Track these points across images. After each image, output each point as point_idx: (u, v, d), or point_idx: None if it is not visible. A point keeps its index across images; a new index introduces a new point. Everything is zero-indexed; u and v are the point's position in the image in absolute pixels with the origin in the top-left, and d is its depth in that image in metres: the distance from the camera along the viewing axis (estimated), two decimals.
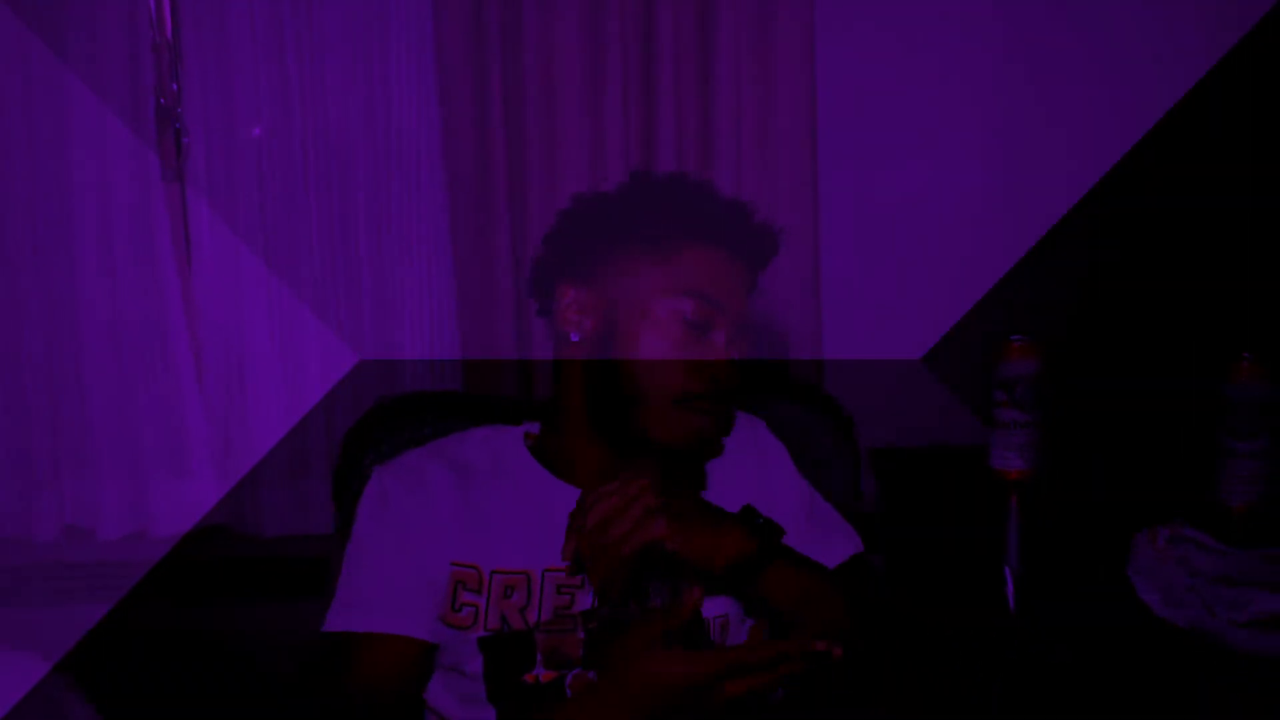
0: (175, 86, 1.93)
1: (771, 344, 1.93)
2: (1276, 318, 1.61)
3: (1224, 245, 1.82)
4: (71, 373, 1.93)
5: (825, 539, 1.24)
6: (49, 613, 1.91)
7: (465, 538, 1.15)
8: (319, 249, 1.93)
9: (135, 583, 1.94)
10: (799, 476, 1.28)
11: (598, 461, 1.18)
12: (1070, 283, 1.94)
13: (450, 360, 1.95)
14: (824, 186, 1.93)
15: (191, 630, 1.93)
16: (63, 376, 1.93)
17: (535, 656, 1.13)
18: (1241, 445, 1.35)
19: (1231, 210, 1.83)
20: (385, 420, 1.37)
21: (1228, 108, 1.86)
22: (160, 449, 1.97)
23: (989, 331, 1.54)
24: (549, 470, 1.20)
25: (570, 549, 1.05)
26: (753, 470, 1.25)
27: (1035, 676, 1.19)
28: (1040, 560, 1.30)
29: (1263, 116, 1.85)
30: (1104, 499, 1.44)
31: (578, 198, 1.24)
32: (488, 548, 1.15)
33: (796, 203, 1.89)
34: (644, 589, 1.13)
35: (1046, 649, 1.23)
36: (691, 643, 1.02)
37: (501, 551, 1.15)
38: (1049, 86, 1.97)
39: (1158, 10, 1.93)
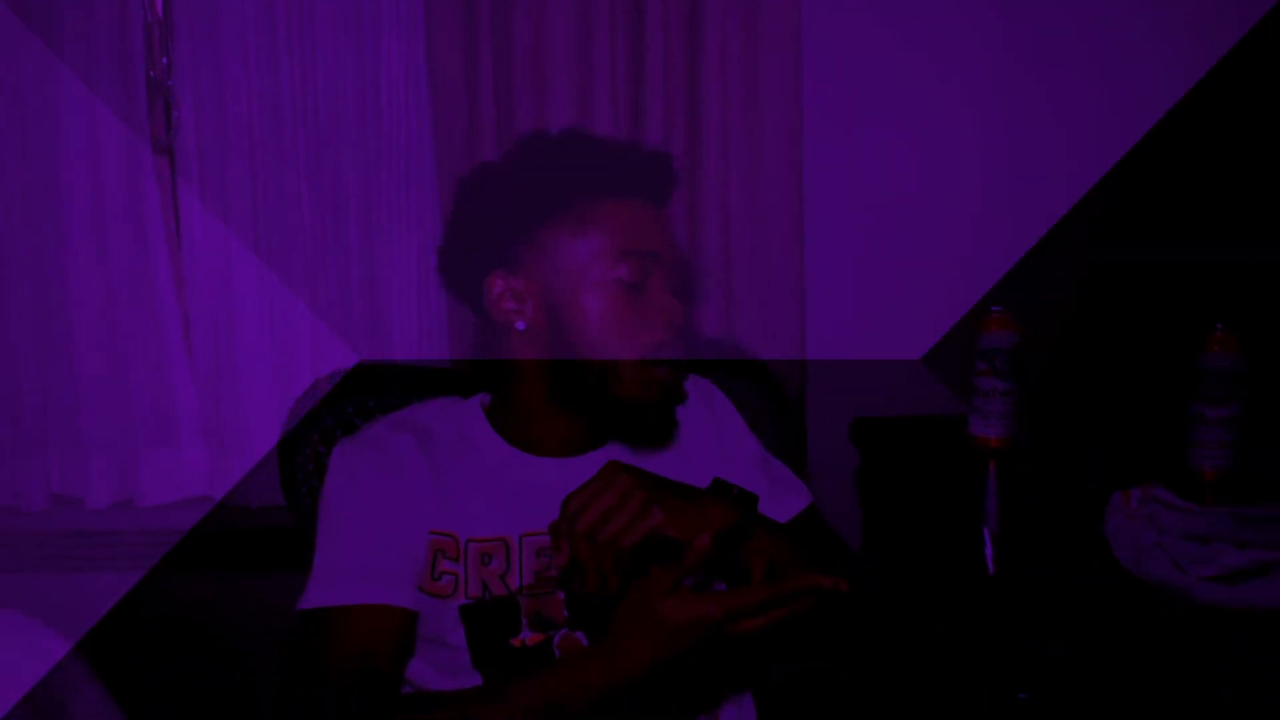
0: (165, 60, 1.95)
1: (754, 342, 1.93)
2: (1245, 293, 1.65)
3: (1203, 232, 1.85)
4: (62, 344, 1.93)
5: (779, 492, 1.27)
6: (38, 579, 1.93)
7: (439, 506, 1.15)
8: (309, 223, 1.94)
9: (123, 553, 1.96)
10: (749, 430, 1.31)
11: (562, 432, 1.20)
12: (1057, 269, 1.94)
13: (437, 332, 1.96)
14: (812, 182, 1.93)
15: (177, 600, 1.94)
16: (53, 348, 1.93)
17: (520, 621, 1.14)
18: (1212, 413, 1.39)
19: (1213, 205, 1.85)
20: (329, 394, 1.36)
21: (1226, 105, 1.86)
22: (149, 421, 1.98)
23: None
24: (509, 442, 1.21)
25: (564, 554, 1.04)
26: (708, 425, 1.28)
27: (1028, 671, 1.20)
28: (1019, 523, 1.34)
29: (1259, 118, 1.86)
30: (1083, 464, 1.48)
31: (465, 181, 1.21)
32: (460, 516, 1.16)
33: (783, 201, 1.89)
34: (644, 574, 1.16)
35: (1040, 643, 1.25)
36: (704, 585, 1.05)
37: (474, 520, 1.16)
38: (1048, 79, 1.96)
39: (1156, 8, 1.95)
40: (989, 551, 1.33)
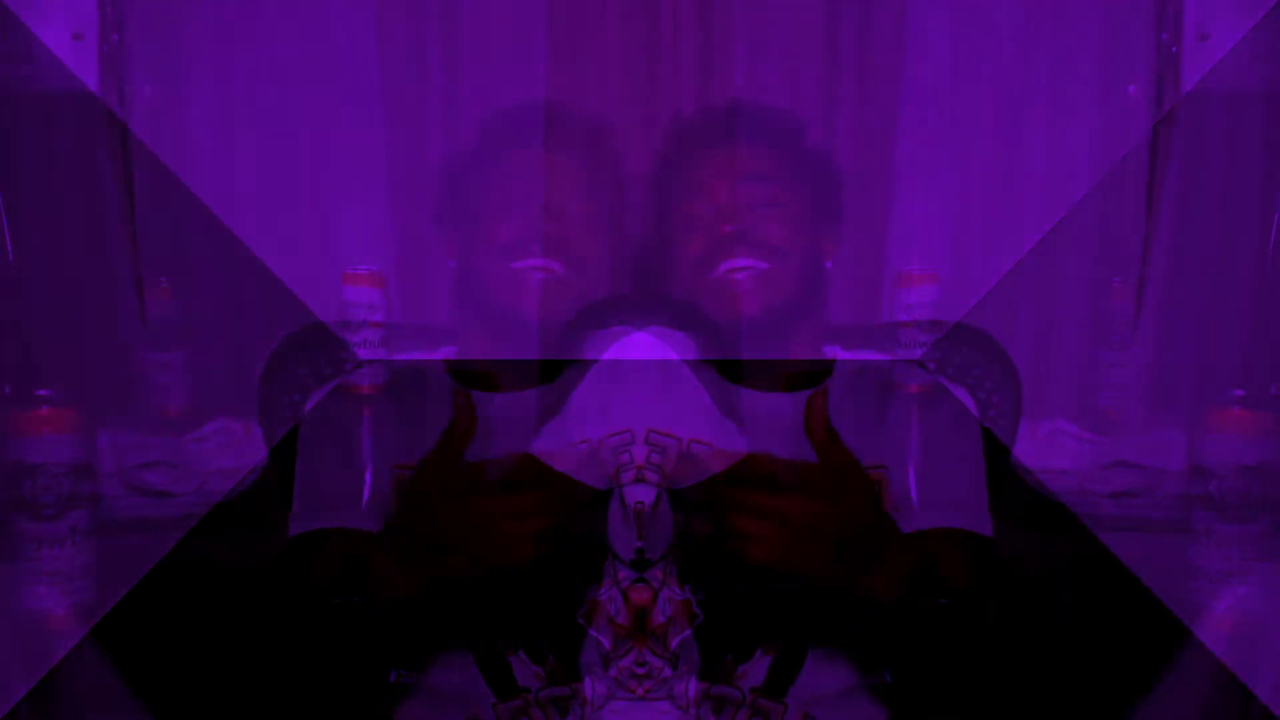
0: (116, 37, 1.97)
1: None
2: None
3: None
4: (20, 307, 1.95)
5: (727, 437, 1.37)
6: None
7: (398, 442, 1.23)
8: (261, 187, 1.99)
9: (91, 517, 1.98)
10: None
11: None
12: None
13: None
14: None
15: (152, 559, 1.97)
16: (8, 312, 1.95)
17: None
18: (1112, 356, 1.53)
19: None
20: (299, 347, 1.48)
21: None
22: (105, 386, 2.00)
23: None
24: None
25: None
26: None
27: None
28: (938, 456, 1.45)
29: None
30: (995, 407, 1.60)
31: None
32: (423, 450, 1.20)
33: None
34: None
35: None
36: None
37: None
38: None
39: None
40: (912, 482, 1.44)
